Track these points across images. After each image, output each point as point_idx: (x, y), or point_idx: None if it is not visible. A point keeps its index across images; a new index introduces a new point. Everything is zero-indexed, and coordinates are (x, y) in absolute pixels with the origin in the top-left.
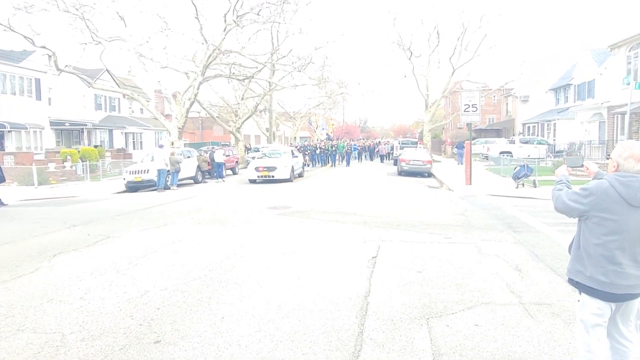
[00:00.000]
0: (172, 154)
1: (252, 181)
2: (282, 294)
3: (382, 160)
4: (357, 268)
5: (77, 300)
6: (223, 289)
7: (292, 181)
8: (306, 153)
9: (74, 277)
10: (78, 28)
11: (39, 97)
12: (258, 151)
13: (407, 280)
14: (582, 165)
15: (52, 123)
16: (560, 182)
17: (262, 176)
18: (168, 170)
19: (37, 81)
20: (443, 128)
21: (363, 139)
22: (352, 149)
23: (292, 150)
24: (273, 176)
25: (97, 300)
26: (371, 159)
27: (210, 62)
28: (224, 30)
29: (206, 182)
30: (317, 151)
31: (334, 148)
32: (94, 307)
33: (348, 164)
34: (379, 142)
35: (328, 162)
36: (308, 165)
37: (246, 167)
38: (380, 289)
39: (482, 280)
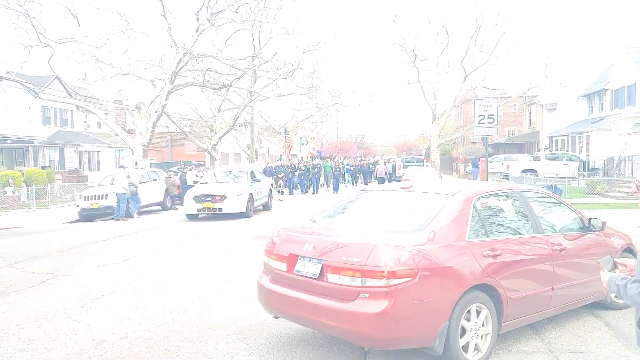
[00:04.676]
0: (127, 175)
1: (191, 216)
2: (267, 334)
3: (380, 184)
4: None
5: (17, 353)
6: (194, 336)
7: (250, 216)
8: (279, 176)
9: (13, 325)
10: (22, 28)
11: None
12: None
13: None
14: (616, 266)
15: None
16: (624, 280)
17: (204, 209)
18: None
19: None
20: (454, 143)
21: (360, 157)
22: (345, 170)
23: (252, 172)
24: (221, 209)
25: (42, 352)
26: (365, 183)
27: (181, 68)
28: (197, 30)
29: (176, 208)
30: (296, 173)
31: (315, 169)
32: None
33: (336, 189)
34: (376, 160)
35: (310, 188)
36: (281, 193)
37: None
38: None
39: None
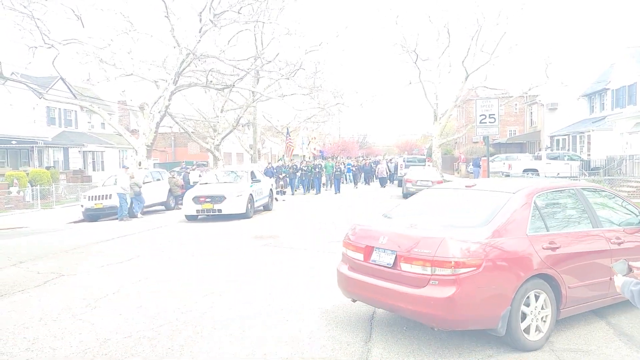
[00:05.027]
0: (131, 176)
1: (191, 218)
2: (270, 338)
3: (382, 184)
4: (356, 307)
5: (22, 352)
6: (198, 335)
7: (249, 217)
8: (280, 176)
9: (18, 324)
10: (27, 29)
11: None
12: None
13: (416, 322)
14: (631, 270)
15: None
16: (638, 285)
17: (203, 210)
18: (127, 195)
19: None
20: (455, 142)
21: (362, 157)
22: (347, 170)
23: (252, 172)
24: (220, 210)
25: (47, 351)
26: (367, 183)
27: (184, 69)
28: (200, 31)
29: (180, 208)
30: (299, 173)
31: (317, 169)
32: None
33: (338, 189)
34: (378, 160)
35: (312, 188)
36: (283, 193)
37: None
38: (383, 333)
39: None
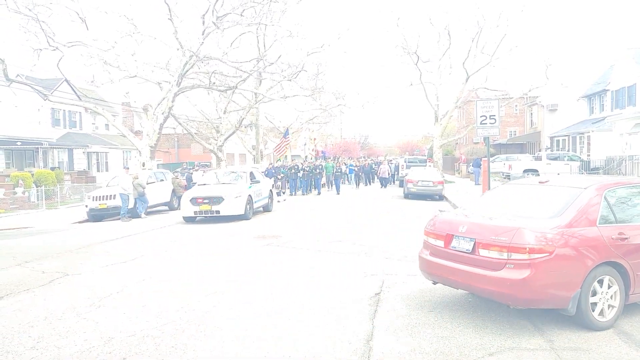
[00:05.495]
0: (135, 177)
1: (189, 219)
2: (270, 337)
3: (383, 185)
4: (357, 306)
5: (27, 350)
6: (201, 333)
7: (248, 218)
8: (279, 177)
9: (24, 323)
10: (32, 31)
11: None
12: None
13: (416, 321)
14: None
15: (0, 142)
16: None
17: (201, 211)
18: (128, 196)
19: None
20: (456, 143)
21: (364, 157)
22: (349, 171)
23: (251, 173)
24: (218, 211)
25: (52, 349)
26: (367, 183)
27: (187, 71)
28: (202, 33)
29: None
30: (300, 174)
31: (318, 170)
32: (47, 359)
33: (338, 190)
34: (379, 161)
35: (313, 188)
36: (282, 194)
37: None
38: (385, 331)
39: (506, 320)
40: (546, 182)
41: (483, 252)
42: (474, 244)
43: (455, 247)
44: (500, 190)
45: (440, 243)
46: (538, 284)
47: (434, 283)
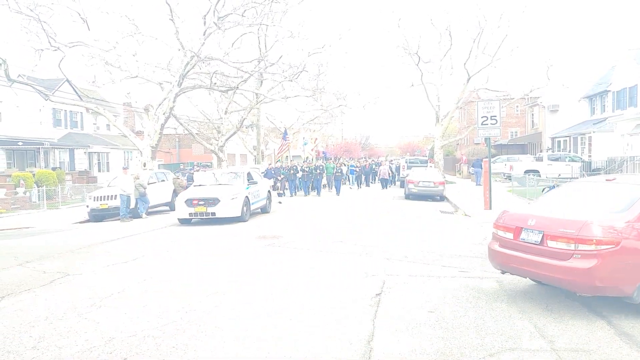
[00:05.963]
0: (136, 177)
1: (184, 221)
2: (271, 337)
3: (383, 186)
4: (358, 307)
5: (28, 350)
6: (202, 334)
7: (245, 220)
8: (279, 178)
9: (25, 323)
10: (33, 32)
11: None
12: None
13: (417, 321)
14: None
15: (2, 142)
16: None
17: (196, 213)
18: (128, 196)
19: None
20: (457, 144)
21: (364, 158)
22: (350, 172)
23: (248, 174)
24: (214, 213)
25: (53, 349)
26: (367, 184)
27: (188, 71)
28: (204, 34)
29: None
30: (299, 174)
31: (318, 170)
32: (48, 359)
33: (338, 191)
34: (380, 162)
35: (313, 189)
36: (282, 195)
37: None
38: (385, 332)
39: (507, 321)
40: (613, 179)
41: (551, 244)
42: (543, 235)
43: (524, 239)
44: (567, 187)
45: (510, 235)
46: (604, 274)
47: (503, 272)
